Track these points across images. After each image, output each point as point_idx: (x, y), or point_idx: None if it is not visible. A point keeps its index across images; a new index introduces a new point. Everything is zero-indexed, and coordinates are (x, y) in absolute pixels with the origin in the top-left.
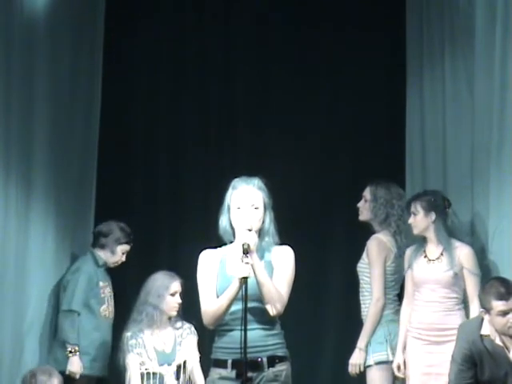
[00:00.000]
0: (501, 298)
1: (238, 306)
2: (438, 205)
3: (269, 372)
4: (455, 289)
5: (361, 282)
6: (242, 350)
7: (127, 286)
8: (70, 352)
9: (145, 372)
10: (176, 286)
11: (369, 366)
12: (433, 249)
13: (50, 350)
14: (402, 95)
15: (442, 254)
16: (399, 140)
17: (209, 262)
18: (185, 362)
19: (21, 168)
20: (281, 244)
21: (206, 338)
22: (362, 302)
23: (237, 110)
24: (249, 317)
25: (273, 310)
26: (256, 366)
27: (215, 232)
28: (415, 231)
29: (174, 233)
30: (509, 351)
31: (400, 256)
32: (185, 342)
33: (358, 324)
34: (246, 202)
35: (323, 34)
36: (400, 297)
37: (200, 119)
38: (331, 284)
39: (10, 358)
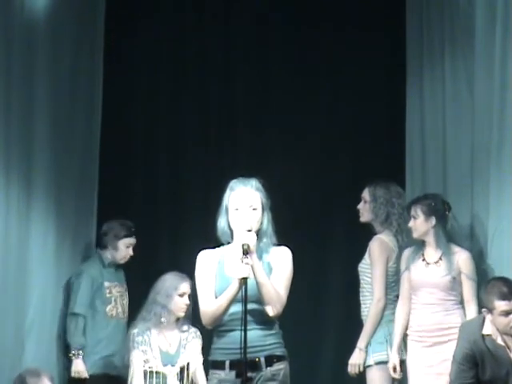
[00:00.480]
0: (503, 297)
1: (237, 308)
2: (438, 209)
3: (267, 371)
4: (453, 292)
5: (361, 282)
6: (241, 351)
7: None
8: (74, 355)
9: (148, 370)
10: (185, 286)
11: (369, 366)
12: (431, 252)
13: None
14: (402, 95)
15: (440, 259)
16: (399, 140)
17: (207, 263)
18: (188, 364)
19: (21, 168)
20: (279, 244)
21: (205, 339)
22: (362, 302)
23: (237, 110)
24: (248, 317)
25: (272, 310)
26: (254, 365)
27: (215, 232)
28: (415, 235)
29: (173, 233)
30: (510, 351)
31: (400, 256)
32: (189, 345)
33: (358, 324)
34: (244, 204)
35: (323, 34)
36: None
37: (200, 119)
38: (331, 284)
39: (10, 357)
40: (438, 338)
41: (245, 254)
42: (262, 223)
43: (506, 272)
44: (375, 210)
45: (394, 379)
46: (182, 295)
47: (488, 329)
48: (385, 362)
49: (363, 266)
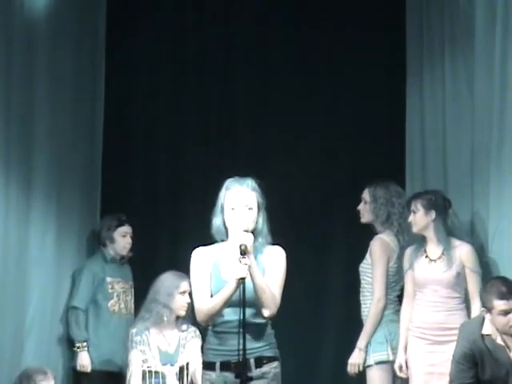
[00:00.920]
0: (502, 297)
1: (233, 317)
2: (439, 204)
3: (256, 371)
4: (457, 288)
5: (362, 282)
6: (239, 353)
7: None
8: (78, 348)
9: (147, 370)
10: (185, 285)
11: (369, 365)
12: (433, 248)
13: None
14: (402, 95)
15: (443, 254)
16: (399, 140)
17: (202, 261)
18: (187, 364)
19: (21, 168)
20: (273, 244)
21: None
22: (362, 302)
23: (237, 110)
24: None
25: (267, 311)
26: (244, 366)
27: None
28: (414, 229)
29: (173, 233)
30: (510, 350)
31: (401, 256)
32: (188, 345)
33: (358, 324)
34: (240, 203)
35: (323, 34)
36: (400, 298)
37: (200, 119)
38: (331, 284)
39: (10, 357)
40: (439, 337)
41: (242, 255)
42: (257, 223)
43: (506, 272)
44: (376, 210)
45: (396, 378)
46: (183, 293)
47: (487, 328)
48: (385, 362)
49: (364, 267)
